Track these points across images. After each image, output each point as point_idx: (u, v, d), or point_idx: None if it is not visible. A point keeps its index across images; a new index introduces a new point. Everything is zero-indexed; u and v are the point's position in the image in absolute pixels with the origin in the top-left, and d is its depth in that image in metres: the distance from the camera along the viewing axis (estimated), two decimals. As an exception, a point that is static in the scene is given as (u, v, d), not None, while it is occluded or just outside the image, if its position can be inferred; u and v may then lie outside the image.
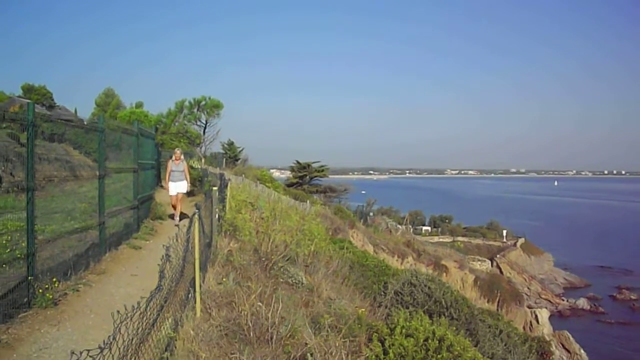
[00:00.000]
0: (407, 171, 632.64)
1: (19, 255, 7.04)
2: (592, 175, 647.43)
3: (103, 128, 10.50)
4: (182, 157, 15.61)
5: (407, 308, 11.48)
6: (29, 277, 6.96)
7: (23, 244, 7.12)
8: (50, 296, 7.12)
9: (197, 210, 7.25)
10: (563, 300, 67.83)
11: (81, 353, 2.71)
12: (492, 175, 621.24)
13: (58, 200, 9.96)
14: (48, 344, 5.90)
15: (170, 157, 15.74)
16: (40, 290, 7.05)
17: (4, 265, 6.83)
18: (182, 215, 15.35)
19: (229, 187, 16.17)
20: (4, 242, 7.50)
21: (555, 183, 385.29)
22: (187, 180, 15.38)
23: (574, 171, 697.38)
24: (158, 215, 15.74)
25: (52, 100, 51.29)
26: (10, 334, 6.03)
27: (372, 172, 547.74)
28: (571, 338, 32.89)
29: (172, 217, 15.86)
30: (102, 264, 9.72)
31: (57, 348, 5.76)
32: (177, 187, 15.14)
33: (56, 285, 7.58)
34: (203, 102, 45.83)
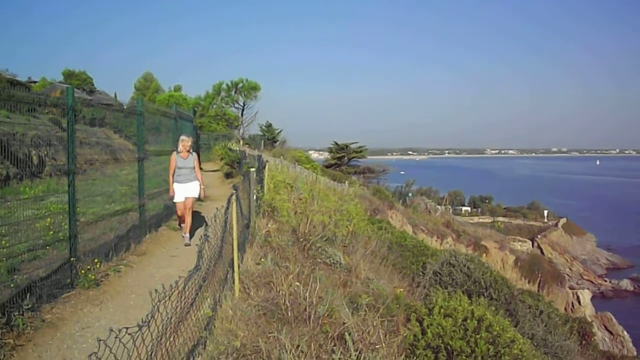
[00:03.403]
0: (447, 151, 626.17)
1: (61, 237, 7.21)
2: (636, 153, 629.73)
3: (142, 111, 10.62)
4: (192, 148, 10.95)
5: (446, 288, 11.43)
6: (72, 259, 7.12)
7: (65, 226, 7.28)
8: (93, 277, 7.27)
9: (234, 191, 7.28)
10: (606, 281, 66.57)
11: (119, 331, 2.75)
12: (533, 154, 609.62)
13: (99, 183, 10.13)
14: (90, 323, 6.03)
15: (176, 149, 10.84)
16: (83, 271, 7.21)
17: (47, 247, 6.99)
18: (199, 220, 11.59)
19: (266, 169, 16.09)
20: (47, 224, 7.67)
21: (598, 162, 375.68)
22: (199, 179, 10.83)
23: (617, 150, 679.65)
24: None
25: (93, 85, 52.33)
26: (54, 313, 6.18)
27: (410, 152, 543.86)
28: (614, 319, 32.35)
29: (179, 225, 11.58)
30: (143, 245, 9.89)
31: (99, 327, 5.88)
32: (186, 190, 10.62)
33: (98, 266, 7.74)
34: (240, 85, 46.07)
